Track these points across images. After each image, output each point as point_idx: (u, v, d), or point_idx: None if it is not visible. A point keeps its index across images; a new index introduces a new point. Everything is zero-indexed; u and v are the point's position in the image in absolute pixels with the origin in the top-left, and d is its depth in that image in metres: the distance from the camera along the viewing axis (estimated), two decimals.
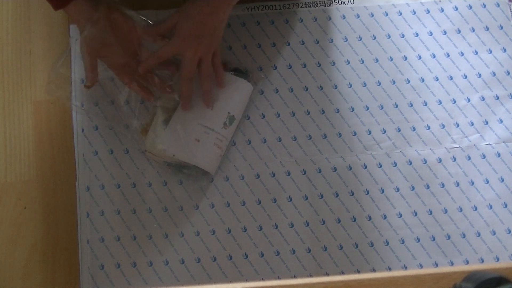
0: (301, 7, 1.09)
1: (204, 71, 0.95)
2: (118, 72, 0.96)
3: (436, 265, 1.00)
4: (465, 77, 1.07)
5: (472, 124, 1.05)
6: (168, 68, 0.99)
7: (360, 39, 1.08)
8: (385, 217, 1.01)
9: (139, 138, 1.00)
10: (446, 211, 1.01)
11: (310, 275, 0.98)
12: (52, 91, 0.99)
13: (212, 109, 0.99)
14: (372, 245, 1.00)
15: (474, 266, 0.76)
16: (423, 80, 1.07)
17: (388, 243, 1.00)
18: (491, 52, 1.08)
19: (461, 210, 1.01)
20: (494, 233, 1.01)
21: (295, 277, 0.98)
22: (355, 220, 1.00)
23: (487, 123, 1.05)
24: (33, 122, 1.02)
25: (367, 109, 1.05)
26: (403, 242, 1.00)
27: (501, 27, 1.09)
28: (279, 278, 0.98)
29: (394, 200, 1.01)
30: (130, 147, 1.02)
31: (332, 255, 0.99)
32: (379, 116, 1.05)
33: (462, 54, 1.08)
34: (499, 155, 1.04)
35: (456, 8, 1.10)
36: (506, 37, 1.09)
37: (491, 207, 1.02)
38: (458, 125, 1.05)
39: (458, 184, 1.02)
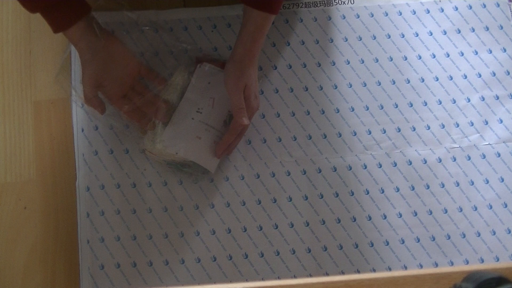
0: (301, 7, 1.09)
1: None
2: (116, 102, 0.96)
3: (436, 265, 1.00)
4: (465, 77, 1.07)
5: (472, 124, 1.05)
6: (159, 83, 1.00)
7: (360, 39, 1.08)
8: (385, 217, 1.01)
9: (138, 137, 1.00)
10: (446, 211, 1.01)
11: (310, 275, 0.98)
12: (61, 82, 1.00)
13: (213, 108, 0.99)
14: (372, 245, 1.00)
15: (474, 266, 0.76)
16: (423, 80, 1.07)
17: (388, 243, 1.00)
18: (491, 52, 1.08)
19: (461, 210, 1.01)
20: (494, 233, 1.01)
21: (295, 277, 0.98)
22: (355, 220, 1.00)
23: (487, 123, 1.05)
24: (33, 122, 1.02)
25: (367, 109, 1.05)
26: (403, 242, 1.00)
27: (501, 27, 1.09)
28: (279, 278, 0.98)
29: (394, 200, 1.01)
30: (130, 147, 1.02)
31: (332, 255, 0.99)
32: (379, 116, 1.05)
33: (462, 54, 1.08)
34: (499, 155, 1.04)
35: (456, 8, 1.10)
36: (506, 37, 1.09)
37: (491, 207, 1.02)
38: (458, 125, 1.05)
39: (458, 184, 1.02)
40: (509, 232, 1.01)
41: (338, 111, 1.05)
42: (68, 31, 0.89)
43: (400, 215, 1.01)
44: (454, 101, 1.06)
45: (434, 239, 1.00)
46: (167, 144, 0.96)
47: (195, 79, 1.00)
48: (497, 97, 1.06)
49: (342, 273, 0.98)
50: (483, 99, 1.06)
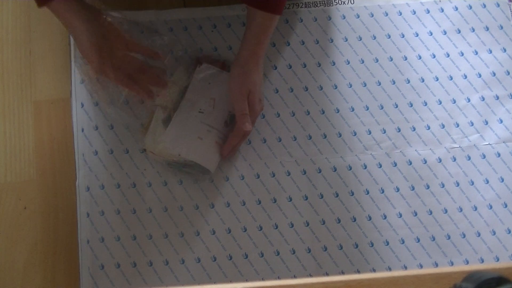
0: (301, 7, 1.09)
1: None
2: (115, 74, 0.94)
3: (436, 265, 1.00)
4: (465, 77, 1.07)
5: (472, 124, 1.05)
6: (161, 57, 0.99)
7: (360, 39, 1.08)
8: (385, 217, 1.01)
9: (139, 137, 1.00)
10: (446, 211, 1.01)
11: (310, 275, 0.98)
12: (83, 67, 1.00)
13: (214, 108, 0.99)
14: (372, 245, 1.00)
15: (474, 266, 0.76)
16: (423, 80, 1.07)
17: (388, 243, 1.00)
18: (491, 52, 1.08)
19: (461, 210, 1.01)
20: (494, 233, 1.01)
21: (295, 277, 0.98)
22: (355, 220, 1.00)
23: (487, 123, 1.05)
24: (33, 122, 1.02)
25: (367, 109, 1.05)
26: (403, 242, 1.00)
27: (501, 27, 1.09)
28: (279, 278, 0.98)
29: (394, 200, 1.01)
30: (130, 147, 1.02)
31: (332, 255, 0.99)
32: (379, 116, 1.05)
33: (462, 54, 1.08)
34: (499, 155, 1.04)
35: (456, 8, 1.10)
36: (506, 37, 1.09)
37: (491, 207, 1.02)
38: (458, 125, 1.05)
39: (458, 184, 1.02)
40: (509, 232, 1.01)
41: (338, 111, 1.05)
42: (53, 4, 0.86)
43: (400, 215, 1.01)
44: (454, 101, 1.06)
45: (434, 239, 1.00)
46: (169, 145, 0.96)
47: (195, 79, 1.00)
48: (497, 97, 1.06)
49: (342, 273, 0.98)
50: (483, 99, 1.06)
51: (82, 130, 1.02)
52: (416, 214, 1.01)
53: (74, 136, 1.02)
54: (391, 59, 1.07)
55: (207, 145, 0.98)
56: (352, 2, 1.10)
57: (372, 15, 1.09)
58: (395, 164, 1.03)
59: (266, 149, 1.03)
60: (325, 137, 1.04)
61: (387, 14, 1.09)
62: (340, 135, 1.04)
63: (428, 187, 1.02)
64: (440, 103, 1.06)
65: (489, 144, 1.04)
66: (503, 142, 1.04)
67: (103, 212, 0.99)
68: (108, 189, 1.00)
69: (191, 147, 0.97)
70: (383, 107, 1.05)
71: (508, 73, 1.07)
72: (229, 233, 0.99)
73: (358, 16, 1.09)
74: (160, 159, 0.99)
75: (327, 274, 0.98)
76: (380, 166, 1.03)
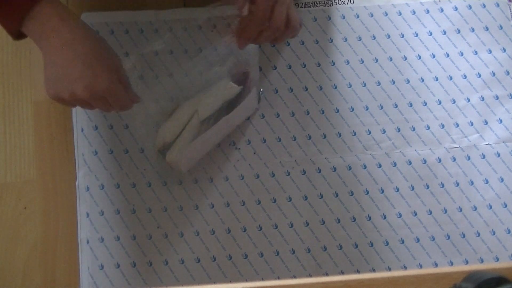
0: (300, 7, 1.09)
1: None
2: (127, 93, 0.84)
3: (436, 265, 1.00)
4: (465, 77, 1.07)
5: (472, 124, 1.05)
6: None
7: (360, 39, 1.08)
8: (385, 217, 1.01)
9: (138, 136, 1.00)
10: (445, 211, 1.01)
11: (310, 275, 0.98)
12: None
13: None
14: (372, 245, 1.00)
15: (474, 266, 0.76)
16: (422, 80, 1.07)
17: (387, 243, 1.00)
18: (490, 52, 1.08)
19: (460, 210, 1.01)
20: (494, 233, 1.01)
21: (295, 277, 0.98)
22: (354, 220, 1.00)
23: (486, 123, 1.05)
24: (33, 122, 1.02)
25: (367, 109, 1.05)
26: (403, 242, 1.00)
27: (501, 27, 1.09)
28: (279, 278, 0.98)
29: (394, 200, 1.01)
30: (129, 147, 1.02)
31: (332, 255, 0.99)
32: (379, 116, 1.05)
33: (462, 54, 1.08)
34: (499, 155, 1.04)
35: (456, 8, 1.10)
36: (506, 37, 1.09)
37: (490, 207, 1.02)
38: (457, 125, 1.05)
39: (457, 184, 1.02)
40: (509, 232, 1.01)
41: (338, 111, 1.05)
42: (34, 18, 0.68)
43: (400, 215, 1.01)
44: (454, 101, 1.06)
45: (433, 239, 1.00)
46: (181, 159, 0.95)
47: (244, 103, 0.96)
48: (497, 97, 1.06)
49: (342, 273, 0.98)
50: (483, 99, 1.06)
51: (82, 130, 1.02)
52: (415, 214, 1.01)
53: (74, 136, 1.02)
54: (391, 59, 1.07)
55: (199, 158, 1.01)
56: (351, 2, 1.10)
57: (372, 15, 1.09)
58: (395, 164, 1.03)
59: (266, 149, 1.03)
60: (325, 137, 1.04)
61: (386, 14, 1.10)
62: (340, 135, 1.04)
63: (427, 187, 1.02)
64: (440, 103, 1.06)
65: (488, 144, 1.04)
66: (503, 142, 1.04)
67: (103, 212, 0.99)
68: (108, 189, 1.00)
69: (193, 164, 1.00)
70: (382, 107, 1.05)
71: (508, 73, 1.07)
72: (229, 233, 0.99)
73: (358, 16, 1.09)
74: (161, 150, 0.98)
75: (326, 274, 0.98)
76: (380, 166, 1.03)
